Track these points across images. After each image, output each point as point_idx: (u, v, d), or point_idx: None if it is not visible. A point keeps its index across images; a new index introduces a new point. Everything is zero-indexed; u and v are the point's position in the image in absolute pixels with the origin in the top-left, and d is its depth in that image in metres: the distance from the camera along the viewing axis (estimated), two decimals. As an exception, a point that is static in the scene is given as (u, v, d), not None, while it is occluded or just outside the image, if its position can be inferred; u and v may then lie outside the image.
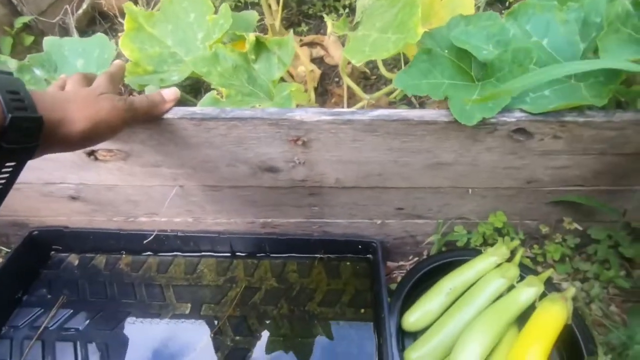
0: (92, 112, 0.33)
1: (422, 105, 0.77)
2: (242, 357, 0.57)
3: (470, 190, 0.55)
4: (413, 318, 0.57)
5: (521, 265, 0.60)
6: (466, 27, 0.46)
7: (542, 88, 0.43)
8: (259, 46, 0.58)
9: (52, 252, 0.69)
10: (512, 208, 0.59)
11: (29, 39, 0.80)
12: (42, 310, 0.62)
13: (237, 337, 0.59)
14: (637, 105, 0.47)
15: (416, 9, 0.40)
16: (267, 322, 0.61)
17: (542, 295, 0.54)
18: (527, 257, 0.65)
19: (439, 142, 0.44)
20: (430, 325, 0.57)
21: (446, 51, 0.47)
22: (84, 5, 0.94)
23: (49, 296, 0.64)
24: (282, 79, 0.62)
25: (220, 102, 0.52)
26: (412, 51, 0.54)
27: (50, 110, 0.31)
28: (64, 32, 0.92)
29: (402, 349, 0.55)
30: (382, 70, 0.70)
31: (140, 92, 0.75)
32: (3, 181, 0.30)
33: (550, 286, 0.56)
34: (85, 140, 0.33)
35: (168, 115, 0.42)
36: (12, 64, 0.51)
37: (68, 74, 0.44)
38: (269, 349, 0.58)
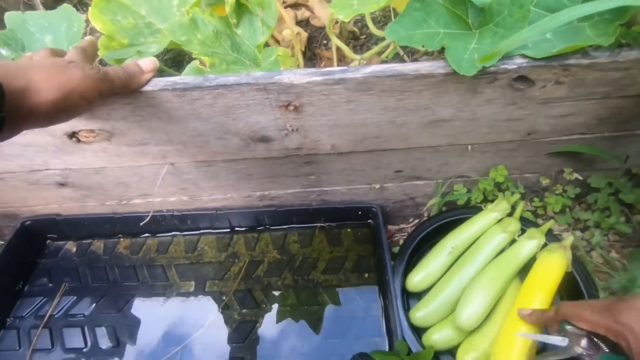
0: (62, 80, 0.31)
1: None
2: (250, 330, 0.57)
3: (469, 147, 0.54)
4: (417, 278, 0.58)
5: (522, 219, 0.59)
6: None
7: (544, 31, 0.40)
8: (240, 9, 0.54)
9: (48, 241, 0.68)
10: (513, 162, 0.58)
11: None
12: (45, 299, 0.61)
13: (244, 310, 0.59)
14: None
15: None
16: (273, 293, 0.61)
17: (544, 247, 0.55)
18: (528, 210, 0.64)
19: (437, 97, 0.42)
20: (434, 284, 0.58)
21: (440, -2, 0.44)
22: (48, -21, 0.88)
23: (50, 285, 0.63)
24: (267, 44, 0.59)
25: (204, 72, 0.49)
26: (402, 5, 0.51)
27: (12, 78, 0.28)
28: (30, 8, 0.86)
29: (407, 309, 0.56)
30: (372, 28, 0.66)
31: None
32: None
33: (552, 237, 0.56)
34: (56, 112, 0.31)
35: (148, 88, 0.40)
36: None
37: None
38: (277, 320, 0.58)
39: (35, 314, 0.60)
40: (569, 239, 0.53)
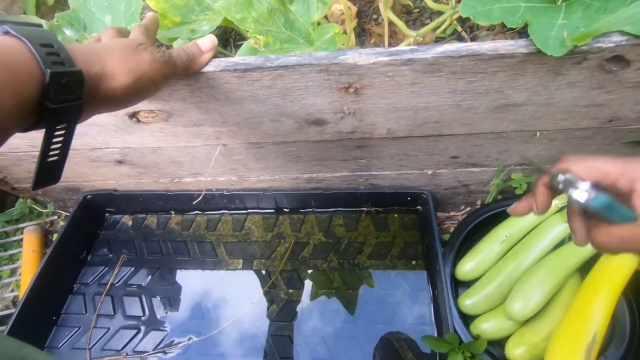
0: (134, 64, 0.30)
1: (474, 40, 0.68)
2: (296, 309, 0.58)
3: (538, 134, 0.49)
4: (467, 267, 0.56)
5: (589, 212, 0.55)
6: None
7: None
8: (295, -17, 0.51)
9: (107, 215, 0.72)
10: (583, 150, 0.53)
11: (50, -2, 0.77)
12: (107, 268, 0.65)
13: (290, 290, 0.60)
14: None
15: None
16: (318, 275, 0.61)
17: (615, 244, 0.50)
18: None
19: (513, 79, 0.39)
20: (485, 273, 0.56)
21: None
22: (99, -44, 0.88)
23: (110, 255, 0.67)
24: (320, 22, 0.56)
25: (259, 52, 0.48)
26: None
27: (90, 64, 0.28)
28: (84, -13, 0.87)
29: (455, 297, 0.54)
30: (428, 1, 0.62)
31: (169, 47, 0.71)
32: (59, 145, 0.29)
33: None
34: (128, 96, 0.31)
35: (209, 69, 0.39)
36: (42, 26, 0.48)
37: (98, 32, 0.41)
38: (323, 302, 0.59)
39: (98, 282, 0.64)
40: None
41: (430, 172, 0.60)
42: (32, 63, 0.25)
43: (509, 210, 0.35)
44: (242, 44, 0.52)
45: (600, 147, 0.52)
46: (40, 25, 0.29)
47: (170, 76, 0.35)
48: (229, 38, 0.76)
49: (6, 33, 0.26)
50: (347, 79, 0.39)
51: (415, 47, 0.36)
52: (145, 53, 0.32)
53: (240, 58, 0.39)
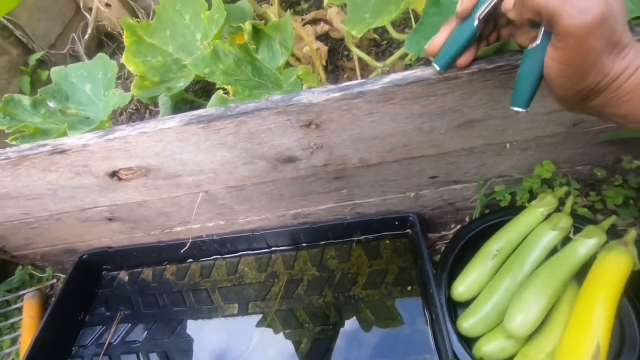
0: None
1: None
2: (295, 350, 0.57)
3: (508, 145, 0.50)
4: (462, 288, 0.54)
5: (578, 217, 0.54)
6: None
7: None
8: (258, 34, 0.55)
9: (104, 272, 0.73)
10: (560, 156, 0.54)
11: (44, 74, 0.83)
12: (104, 327, 0.65)
13: (287, 331, 0.59)
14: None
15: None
16: (315, 312, 0.60)
17: (605, 245, 0.49)
18: (585, 206, 0.59)
19: (465, 98, 0.40)
20: (480, 292, 0.54)
21: (457, -3, 0.42)
22: (89, 31, 0.96)
23: (108, 314, 0.67)
24: (288, 65, 0.60)
25: (229, 101, 0.51)
26: (422, 4, 0.49)
27: None
28: (76, 60, 0.94)
29: (455, 319, 0.53)
30: (392, 32, 0.65)
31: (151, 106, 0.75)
32: None
33: (616, 235, 0.51)
34: None
35: (175, 124, 0.42)
36: (26, 101, 0.52)
37: (80, 102, 0.44)
38: (321, 339, 0.57)
39: (97, 342, 0.64)
40: (631, 233, 0.48)
41: (412, 194, 0.60)
42: None
43: (425, 50, 0.34)
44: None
45: (576, 150, 0.53)
46: None
47: None
48: (211, 89, 0.81)
49: None
50: (306, 117, 0.41)
51: (364, 80, 0.38)
52: None
53: (203, 110, 0.41)
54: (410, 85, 0.37)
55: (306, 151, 0.47)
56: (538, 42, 0.30)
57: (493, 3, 0.31)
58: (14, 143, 0.49)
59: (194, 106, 0.76)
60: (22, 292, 0.74)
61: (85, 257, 0.69)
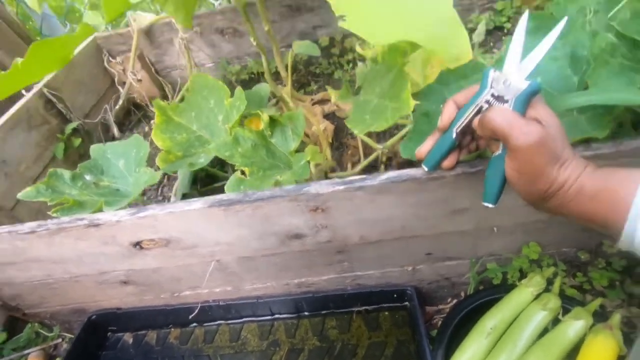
0: None
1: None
2: None
3: (495, 229, 0.55)
4: (459, 366, 0.56)
5: (567, 297, 0.57)
6: (457, 83, 0.49)
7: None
8: (274, 122, 0.64)
9: (109, 333, 0.75)
10: (546, 238, 0.58)
11: (77, 141, 0.91)
12: (105, 392, 0.66)
13: (287, 404, 0.60)
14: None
15: (406, 83, 0.44)
16: (314, 384, 0.61)
17: (592, 328, 0.52)
18: (573, 286, 0.62)
19: (453, 191, 0.46)
20: (478, 371, 0.55)
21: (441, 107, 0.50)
22: (120, 102, 1.07)
23: (109, 378, 0.68)
24: (297, 150, 0.67)
25: (245, 181, 0.57)
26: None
27: None
28: (105, 128, 1.04)
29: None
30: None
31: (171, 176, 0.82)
32: None
33: (603, 316, 0.54)
34: None
35: (199, 206, 0.47)
36: (66, 175, 0.59)
37: (114, 176, 0.50)
38: (320, 414, 0.58)
39: (96, 408, 0.64)
40: (615, 317, 0.51)
41: (410, 268, 0.64)
42: None
43: (415, 154, 0.42)
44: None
45: (560, 233, 0.57)
46: None
47: None
48: (227, 163, 0.88)
49: None
50: (314, 203, 0.47)
51: (365, 176, 0.44)
52: None
53: (224, 195, 0.47)
54: (405, 182, 0.44)
55: (312, 229, 0.53)
56: (499, 151, 0.37)
57: (466, 121, 0.38)
58: (54, 215, 0.54)
59: (208, 174, 0.83)
60: (27, 351, 0.75)
61: (93, 317, 0.72)
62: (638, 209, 0.30)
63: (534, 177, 0.34)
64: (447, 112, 0.39)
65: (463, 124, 0.38)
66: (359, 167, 0.75)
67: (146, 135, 1.04)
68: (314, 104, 0.98)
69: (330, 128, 0.89)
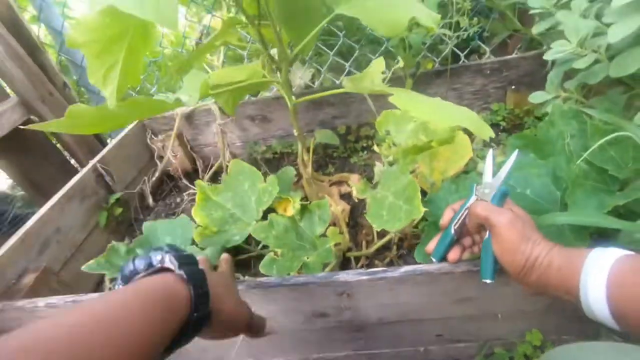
0: (236, 296, 0.46)
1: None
2: None
3: (499, 315, 0.62)
4: None
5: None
6: (457, 194, 0.60)
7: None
8: (303, 209, 0.74)
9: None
10: (547, 325, 0.64)
11: (118, 210, 1.02)
12: None
13: None
14: None
15: (417, 191, 0.55)
16: None
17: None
18: (575, 374, 0.66)
19: (460, 284, 0.54)
20: None
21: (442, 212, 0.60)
22: (157, 174, 1.20)
23: None
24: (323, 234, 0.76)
25: (277, 261, 0.66)
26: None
27: (213, 294, 0.40)
28: (141, 197, 1.15)
29: None
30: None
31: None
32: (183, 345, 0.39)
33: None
34: (229, 319, 0.43)
35: (242, 287, 0.55)
36: (122, 249, 0.68)
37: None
38: None
39: None
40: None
41: (422, 349, 0.69)
42: (187, 305, 0.35)
43: (425, 250, 0.53)
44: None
45: (561, 320, 0.63)
46: (193, 258, 0.41)
47: (244, 320, 0.47)
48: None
49: (177, 275, 0.36)
50: (341, 289, 0.55)
51: (386, 268, 0.53)
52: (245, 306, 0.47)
53: (265, 278, 0.55)
54: (420, 275, 0.52)
55: (336, 310, 0.59)
56: (487, 236, 0.48)
57: (461, 219, 0.51)
58: (111, 287, 0.62)
59: (235, 246, 0.91)
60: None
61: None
62: (585, 277, 0.38)
63: (512, 251, 0.43)
64: (446, 215, 0.52)
65: (459, 222, 0.51)
66: (373, 248, 0.83)
67: (177, 205, 1.15)
68: (331, 184, 1.09)
69: (347, 209, 0.98)
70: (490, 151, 0.52)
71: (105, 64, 0.75)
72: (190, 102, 0.63)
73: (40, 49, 1.14)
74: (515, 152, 0.49)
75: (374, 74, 0.67)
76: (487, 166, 0.51)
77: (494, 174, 0.50)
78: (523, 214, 0.46)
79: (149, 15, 0.42)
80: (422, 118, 0.47)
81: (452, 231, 0.51)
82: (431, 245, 0.53)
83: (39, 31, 1.19)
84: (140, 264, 0.38)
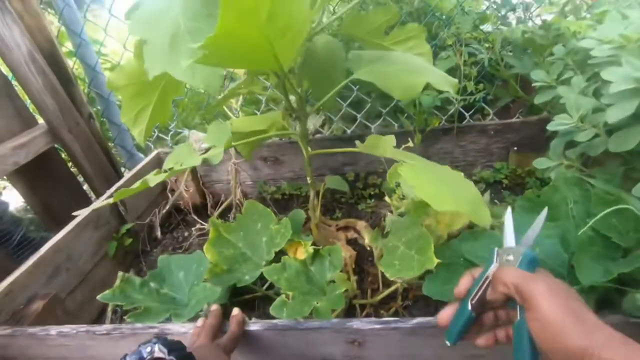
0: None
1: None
2: None
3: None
4: None
5: None
6: (474, 242, 0.63)
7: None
8: (315, 253, 0.75)
9: None
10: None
11: (128, 240, 1.03)
12: None
13: None
14: None
15: (430, 243, 0.58)
16: None
17: None
18: None
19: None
20: None
21: (461, 259, 0.63)
22: (167, 207, 1.22)
23: None
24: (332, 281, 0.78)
25: (287, 304, 0.67)
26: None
27: None
28: (150, 229, 1.17)
29: None
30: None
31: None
32: None
33: None
34: None
35: (256, 327, 0.56)
36: (136, 282, 0.69)
37: (173, 284, 0.59)
38: None
39: None
40: None
41: (427, 406, 0.67)
42: None
43: (437, 321, 0.46)
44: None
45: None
46: (181, 343, 0.45)
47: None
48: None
49: None
50: (353, 336, 0.55)
51: (398, 319, 0.54)
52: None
53: (279, 321, 0.56)
54: (432, 327, 0.53)
55: (345, 357, 0.60)
56: (518, 318, 0.39)
57: (480, 292, 0.42)
58: (129, 320, 0.62)
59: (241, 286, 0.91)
60: None
61: None
62: None
63: (558, 334, 0.33)
64: (463, 282, 0.43)
65: (477, 296, 0.42)
66: (379, 297, 0.84)
67: (185, 239, 1.16)
68: (338, 229, 1.11)
69: (353, 254, 1.00)
70: (509, 210, 0.46)
71: (138, 106, 0.81)
72: (214, 160, 0.67)
73: (72, 82, 1.21)
74: (545, 212, 0.43)
75: (386, 145, 0.68)
76: (507, 228, 0.44)
77: (517, 233, 0.43)
78: (564, 285, 0.37)
79: (199, 84, 0.47)
80: (425, 199, 0.47)
81: (469, 307, 0.42)
82: (444, 315, 0.44)
83: (73, 65, 1.28)
84: None
